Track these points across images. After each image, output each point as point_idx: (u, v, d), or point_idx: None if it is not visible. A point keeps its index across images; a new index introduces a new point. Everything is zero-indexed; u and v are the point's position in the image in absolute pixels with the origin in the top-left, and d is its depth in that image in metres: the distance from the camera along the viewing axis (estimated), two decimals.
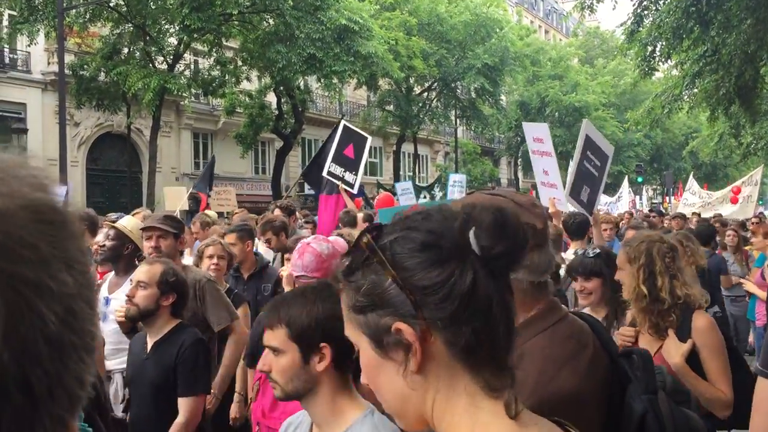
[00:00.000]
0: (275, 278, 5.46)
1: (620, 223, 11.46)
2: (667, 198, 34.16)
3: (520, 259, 1.02)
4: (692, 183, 19.68)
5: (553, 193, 6.32)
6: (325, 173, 9.26)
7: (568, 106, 40.65)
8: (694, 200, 18.81)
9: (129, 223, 5.00)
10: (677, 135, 50.70)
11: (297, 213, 8.82)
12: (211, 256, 5.18)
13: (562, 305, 1.79)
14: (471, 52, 31.73)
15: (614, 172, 40.39)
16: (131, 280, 3.65)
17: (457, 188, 17.65)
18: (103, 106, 23.12)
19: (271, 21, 23.01)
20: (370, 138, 9.42)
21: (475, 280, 0.98)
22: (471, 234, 0.99)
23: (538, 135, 6.69)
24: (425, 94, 35.36)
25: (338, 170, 8.91)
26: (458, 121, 37.48)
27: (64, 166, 17.73)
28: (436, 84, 34.49)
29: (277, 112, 27.17)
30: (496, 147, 49.55)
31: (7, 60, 24.04)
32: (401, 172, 36.77)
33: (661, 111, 19.62)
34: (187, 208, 13.67)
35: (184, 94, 23.06)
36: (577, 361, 1.60)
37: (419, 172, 40.94)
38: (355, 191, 8.99)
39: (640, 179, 38.40)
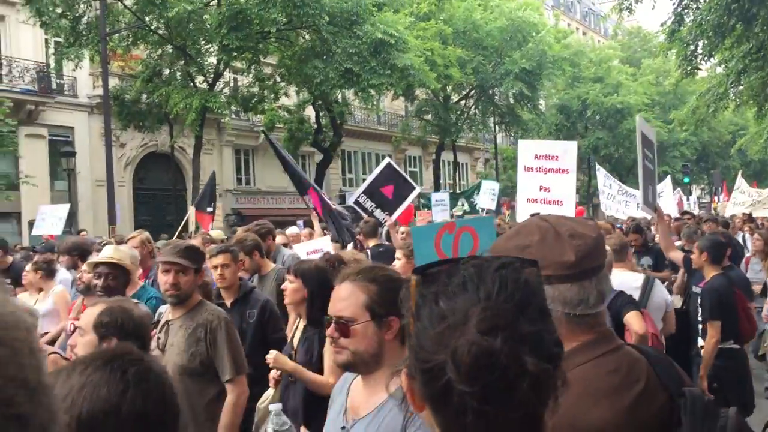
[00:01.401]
0: (261, 303, 5.04)
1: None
2: (716, 197, 33.32)
3: (510, 395, 0.94)
4: (741, 182, 19.12)
5: (551, 210, 6.21)
6: (351, 202, 9.27)
7: (609, 107, 40.06)
8: (743, 199, 18.25)
9: (121, 254, 4.64)
10: (724, 133, 49.49)
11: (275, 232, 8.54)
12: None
13: (617, 337, 1.73)
14: (508, 57, 31.53)
15: (660, 173, 39.57)
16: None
17: (489, 196, 17.52)
18: (145, 127, 23.67)
19: (307, 37, 23.27)
20: (418, 188, 9.36)
21: (447, 388, 0.96)
22: (448, 368, 0.95)
23: (553, 153, 6.68)
24: (463, 101, 35.25)
25: (369, 204, 8.91)
26: (497, 127, 37.26)
27: (111, 187, 18.19)
28: (473, 91, 34.35)
29: (315, 125, 27.41)
30: None
31: (54, 85, 24.79)
32: (441, 181, 36.67)
33: (706, 110, 19.20)
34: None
35: (224, 112, 23.44)
36: (619, 396, 1.55)
37: (459, 180, 40.78)
38: (382, 231, 8.92)
39: (686, 179, 37.61)
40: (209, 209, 13.57)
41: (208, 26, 20.94)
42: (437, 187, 33.71)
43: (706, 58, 17.19)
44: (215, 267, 4.99)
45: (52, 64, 24.16)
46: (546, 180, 6.59)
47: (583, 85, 41.05)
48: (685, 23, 16.24)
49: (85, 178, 24.43)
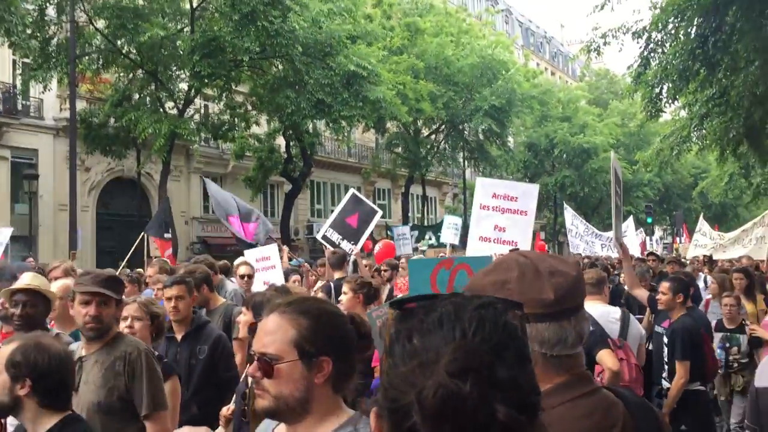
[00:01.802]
0: (213, 338, 4.77)
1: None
2: (678, 239, 33.91)
3: None
4: (702, 224, 19.49)
5: (504, 250, 6.24)
6: (319, 237, 9.26)
7: (576, 147, 40.76)
8: (705, 242, 18.57)
9: (41, 280, 4.31)
10: (686, 176, 50.63)
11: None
12: (124, 318, 4.09)
13: (594, 379, 1.68)
14: (478, 94, 31.98)
15: (623, 213, 40.19)
16: None
17: (452, 230, 17.60)
18: (112, 152, 23.31)
19: (280, 66, 23.31)
20: (380, 212, 9.36)
21: (413, 428, 0.89)
22: (413, 410, 0.89)
23: (513, 194, 6.76)
24: (433, 136, 35.55)
25: (335, 236, 8.85)
26: (466, 162, 37.58)
27: (74, 212, 17.82)
28: (444, 126, 34.68)
29: (286, 155, 27.34)
30: None
31: (20, 107, 24.36)
32: (410, 214, 36.75)
33: (670, 152, 19.59)
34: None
35: (193, 139, 23.25)
36: None
37: (428, 214, 40.91)
38: (349, 260, 8.92)
39: (649, 220, 38.26)
40: (167, 235, 13.13)
41: (181, 52, 20.86)
42: (405, 220, 33.76)
43: (670, 101, 17.57)
44: (169, 298, 4.75)
45: (19, 85, 23.77)
46: (502, 220, 6.62)
47: (551, 123, 41.76)
48: (650, 66, 16.62)
49: (47, 202, 23.93)
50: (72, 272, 6.03)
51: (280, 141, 27.69)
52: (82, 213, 22.80)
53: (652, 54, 16.45)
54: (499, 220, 6.64)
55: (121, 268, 10.34)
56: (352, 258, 8.45)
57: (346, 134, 26.06)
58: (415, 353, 0.92)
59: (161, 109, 22.11)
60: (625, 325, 5.10)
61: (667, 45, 15.93)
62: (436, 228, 20.84)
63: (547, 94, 40.45)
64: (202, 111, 26.57)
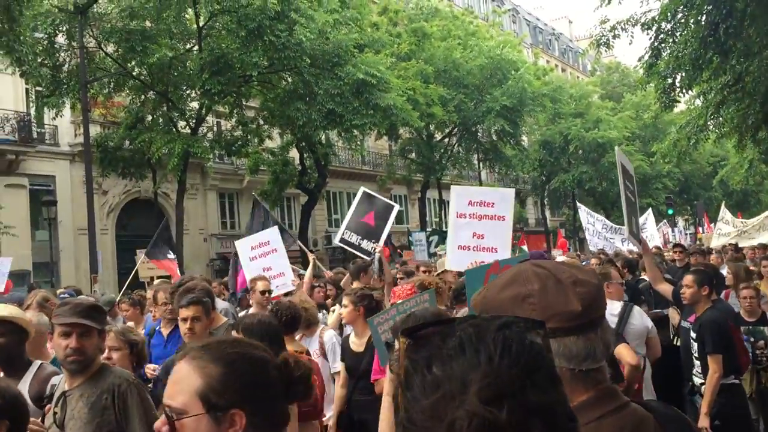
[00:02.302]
0: None
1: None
2: (700, 229, 33.47)
3: None
4: (725, 212, 19.18)
5: (484, 257, 6.31)
6: (337, 241, 9.08)
7: (591, 142, 40.44)
8: (728, 230, 18.27)
9: (12, 310, 3.99)
10: (705, 165, 50.05)
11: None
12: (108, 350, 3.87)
13: (621, 393, 1.58)
14: (489, 95, 31.84)
15: (642, 205, 39.82)
16: None
17: (419, 247, 17.49)
18: (128, 174, 23.48)
19: (289, 79, 23.36)
20: (396, 207, 9.15)
21: None
22: None
23: (488, 200, 6.72)
24: (446, 139, 35.45)
25: (354, 238, 8.61)
26: (481, 164, 37.45)
27: (93, 235, 17.93)
28: (456, 129, 34.59)
29: (300, 167, 27.38)
30: (521, 187, 49.37)
31: (35, 134, 24.61)
32: (427, 219, 36.65)
33: (687, 142, 19.32)
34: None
35: (207, 156, 23.35)
36: None
37: (445, 218, 40.74)
38: (372, 260, 8.73)
39: (670, 211, 37.79)
40: (170, 256, 12.81)
41: (190, 71, 20.97)
42: (423, 225, 33.69)
43: (684, 91, 17.35)
44: (184, 319, 4.56)
45: (33, 113, 24.03)
46: (480, 227, 6.58)
47: (565, 120, 41.49)
48: (662, 57, 16.42)
49: (66, 227, 24.13)
50: (46, 303, 5.73)
51: (294, 153, 27.74)
52: (102, 236, 22.97)
53: (662, 44, 16.27)
54: (476, 227, 6.59)
55: (121, 293, 10.30)
56: (377, 256, 8.22)
57: (358, 143, 26.03)
58: (437, 383, 0.84)
59: (174, 129, 22.23)
60: (623, 320, 5.03)
61: (678, 34, 15.75)
62: None
63: (559, 91, 40.20)
64: (215, 128, 26.69)
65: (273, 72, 22.52)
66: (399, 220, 40.51)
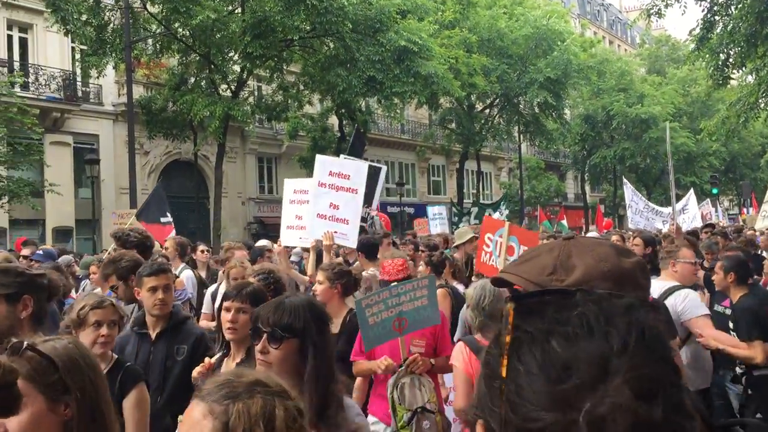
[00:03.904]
0: (194, 337, 4.11)
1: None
2: (745, 209, 32.62)
3: None
4: None
5: (338, 227, 6.55)
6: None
7: (634, 118, 39.55)
8: None
9: None
10: (754, 144, 48.62)
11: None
12: (97, 324, 3.34)
13: None
14: (533, 66, 31.25)
15: (686, 184, 39.02)
16: None
17: (438, 220, 17.30)
18: (171, 135, 23.76)
19: (331, 45, 23.22)
20: (385, 168, 9.13)
21: None
22: (582, 427, 0.71)
23: (346, 171, 6.87)
24: (487, 110, 35.00)
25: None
26: (521, 136, 36.95)
27: (134, 194, 18.21)
28: (498, 100, 34.11)
29: (339, 134, 27.34)
30: (561, 161, 48.64)
31: (80, 93, 24.98)
32: (464, 190, 36.41)
33: (737, 120, 18.74)
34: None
35: (248, 120, 23.45)
36: None
37: (483, 190, 40.50)
38: (373, 222, 8.60)
39: (715, 190, 36.91)
40: (163, 219, 11.76)
41: (232, 34, 20.97)
42: (461, 196, 33.50)
43: (737, 67, 16.80)
44: (153, 289, 4.07)
45: (78, 72, 24.35)
46: (336, 198, 6.76)
47: (608, 95, 40.57)
48: (714, 30, 15.88)
49: (108, 186, 24.57)
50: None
51: (333, 120, 27.70)
52: (142, 195, 23.28)
53: (716, 17, 15.72)
54: (334, 198, 6.76)
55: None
56: (378, 221, 8.15)
57: (398, 111, 25.86)
58: (565, 365, 0.75)
59: (215, 92, 22.34)
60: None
61: (733, 7, 15.19)
62: (495, 205, 20.51)
63: (605, 64, 39.25)
64: (256, 92, 26.75)
65: (314, 36, 22.40)
66: (436, 190, 40.37)
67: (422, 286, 4.18)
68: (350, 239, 6.63)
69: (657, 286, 4.96)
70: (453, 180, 38.62)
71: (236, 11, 21.90)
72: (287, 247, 7.50)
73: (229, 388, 1.32)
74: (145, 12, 21.20)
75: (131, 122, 18.55)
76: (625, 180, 17.42)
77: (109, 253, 6.68)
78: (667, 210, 16.72)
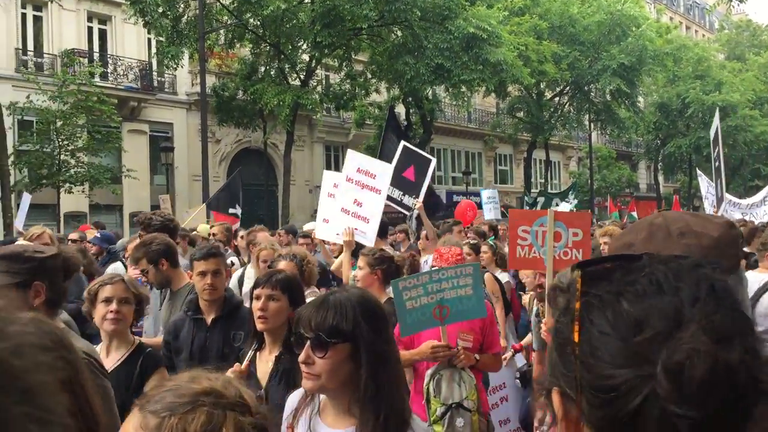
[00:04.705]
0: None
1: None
2: None
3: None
4: None
5: (359, 224, 6.47)
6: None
7: (711, 106, 38.09)
8: None
9: None
10: None
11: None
12: (108, 300, 3.33)
13: None
14: (606, 52, 30.47)
15: (765, 174, 37.45)
16: None
17: (492, 205, 16.91)
18: (242, 124, 24.30)
19: (399, 33, 23.20)
20: (434, 160, 8.90)
21: (641, 411, 0.72)
22: (658, 385, 0.71)
23: (373, 171, 6.82)
24: (557, 98, 34.35)
25: (396, 193, 8.35)
26: (592, 125, 36.12)
27: (206, 182, 18.70)
28: (568, 88, 33.42)
29: (405, 122, 27.33)
30: (633, 151, 47.30)
31: (155, 83, 25.79)
32: (532, 180, 35.90)
33: None
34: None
35: (316, 109, 23.73)
36: None
37: (551, 179, 39.81)
38: (412, 215, 8.48)
39: None
40: (232, 210, 11.66)
41: (302, 24, 21.21)
42: (528, 186, 33.07)
43: None
44: (202, 273, 4.00)
45: (154, 63, 25.13)
46: (361, 195, 6.71)
47: (683, 82, 39.18)
48: None
49: (182, 173, 25.30)
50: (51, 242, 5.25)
51: (400, 108, 27.70)
52: (213, 182, 23.89)
53: None
54: (359, 194, 6.72)
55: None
56: (416, 213, 8.03)
57: (465, 99, 25.65)
58: (637, 320, 0.76)
59: (285, 81, 22.67)
60: (756, 297, 4.62)
61: None
62: (563, 194, 20.14)
63: (682, 50, 37.88)
64: (324, 81, 27.01)
65: (383, 25, 22.42)
66: (503, 180, 39.92)
67: (466, 274, 3.88)
68: (369, 238, 6.50)
69: (755, 279, 4.71)
70: (520, 169, 38.12)
71: (305, 1, 22.13)
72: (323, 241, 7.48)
73: (173, 398, 1.08)
74: (218, 3, 21.66)
75: (204, 111, 19.01)
76: (699, 172, 16.83)
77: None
78: (746, 201, 16.06)
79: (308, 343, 1.99)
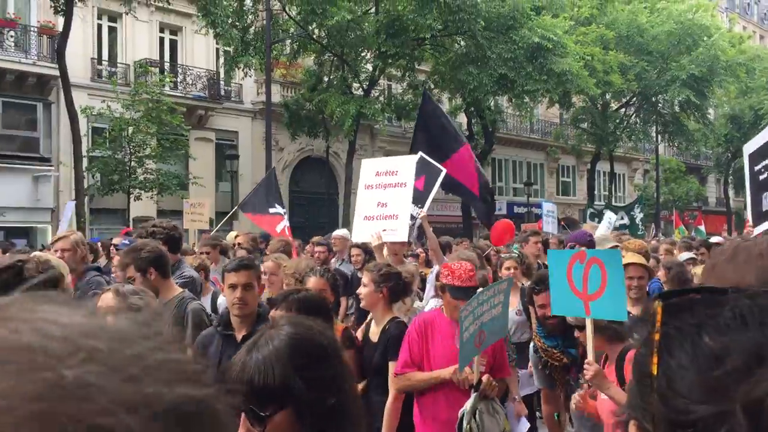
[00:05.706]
0: None
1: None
2: None
3: None
4: None
5: (386, 224, 6.28)
6: None
7: None
8: None
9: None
10: None
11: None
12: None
13: None
14: (675, 63, 29.68)
15: None
16: None
17: (550, 218, 16.61)
18: (312, 133, 24.72)
19: (462, 43, 23.17)
20: (444, 170, 8.67)
21: None
22: (736, 422, 0.69)
23: (393, 168, 6.65)
24: (623, 109, 33.63)
25: None
26: (659, 137, 35.20)
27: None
28: (634, 99, 32.69)
29: (467, 132, 27.20)
30: (702, 164, 45.86)
31: (222, 92, 26.44)
32: (596, 192, 35.20)
33: None
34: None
35: (379, 119, 23.88)
36: None
37: (615, 192, 38.94)
38: (414, 224, 8.29)
39: None
40: (272, 210, 10.89)
41: (366, 34, 21.41)
42: (591, 198, 32.44)
43: None
44: (232, 286, 3.79)
45: (222, 72, 25.75)
46: (384, 195, 6.53)
47: (756, 93, 37.80)
48: None
49: (246, 180, 25.77)
50: (81, 246, 5.11)
51: (462, 118, 27.60)
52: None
53: None
54: (381, 196, 6.54)
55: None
56: (418, 222, 7.78)
57: (528, 110, 25.38)
58: (718, 356, 0.74)
59: (348, 91, 22.91)
60: None
61: None
62: (629, 208, 19.69)
63: (756, 61, 36.57)
64: (386, 91, 27.16)
65: (446, 35, 22.43)
66: (565, 191, 39.27)
67: (500, 291, 3.71)
68: (400, 234, 6.40)
69: None
70: (583, 181, 37.43)
71: (370, 11, 22.33)
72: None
73: None
74: (284, 14, 22.07)
75: (269, 120, 19.37)
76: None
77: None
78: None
79: (243, 416, 1.62)
